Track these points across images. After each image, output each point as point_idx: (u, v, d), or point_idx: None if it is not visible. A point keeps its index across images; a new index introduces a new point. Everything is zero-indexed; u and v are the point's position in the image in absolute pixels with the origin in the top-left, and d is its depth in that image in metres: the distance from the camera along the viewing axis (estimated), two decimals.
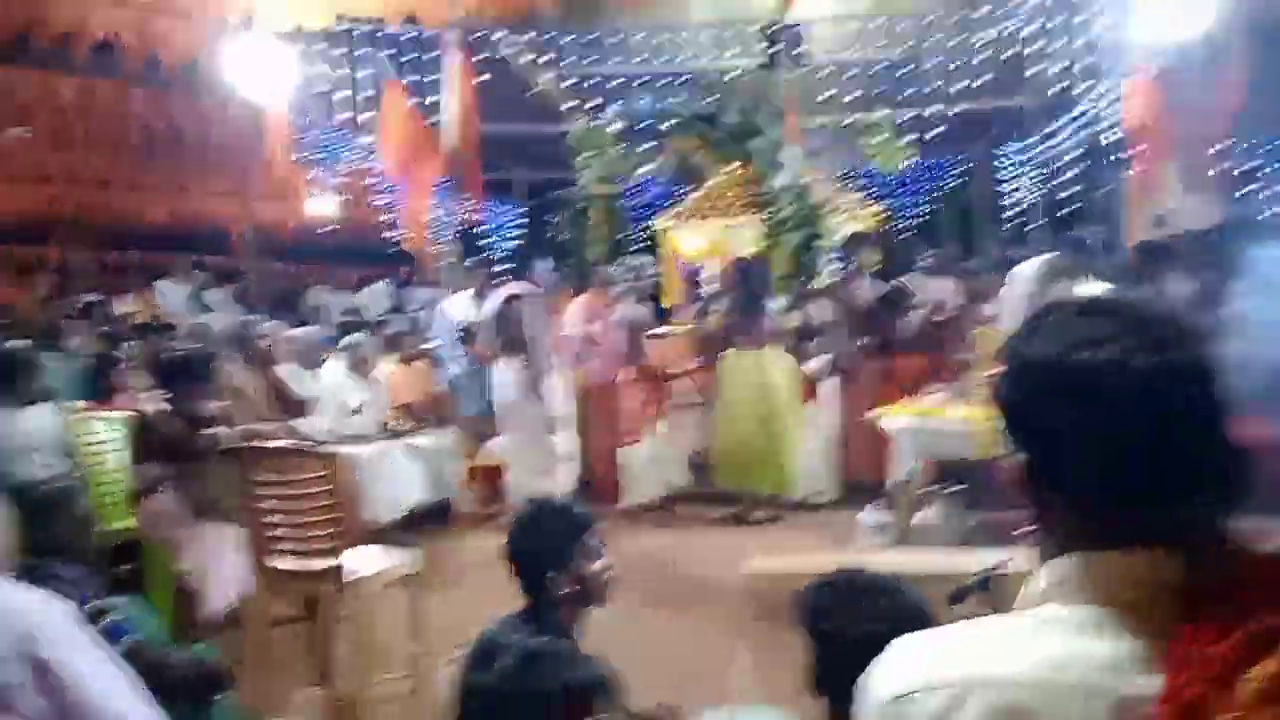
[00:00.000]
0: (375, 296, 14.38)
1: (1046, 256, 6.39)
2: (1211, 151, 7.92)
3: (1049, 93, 10.30)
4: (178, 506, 4.87)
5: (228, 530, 4.79)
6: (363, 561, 4.59)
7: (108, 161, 12.21)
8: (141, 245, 13.68)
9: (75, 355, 7.68)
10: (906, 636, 1.03)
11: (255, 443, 4.99)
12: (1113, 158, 10.06)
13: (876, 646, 1.05)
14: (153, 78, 9.47)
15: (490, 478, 7.49)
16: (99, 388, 6.62)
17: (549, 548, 2.67)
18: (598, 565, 2.73)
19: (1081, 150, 11.21)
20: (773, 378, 7.33)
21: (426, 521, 7.17)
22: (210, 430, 4.97)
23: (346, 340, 7.33)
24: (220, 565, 4.72)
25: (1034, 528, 1.02)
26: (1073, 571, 0.96)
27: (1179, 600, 0.90)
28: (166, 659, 3.06)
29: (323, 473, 4.45)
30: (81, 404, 6.42)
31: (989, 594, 2.67)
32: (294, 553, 4.48)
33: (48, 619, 1.16)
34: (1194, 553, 0.91)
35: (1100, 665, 0.90)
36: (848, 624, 2.13)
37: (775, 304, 7.60)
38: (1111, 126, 9.35)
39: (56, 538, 3.42)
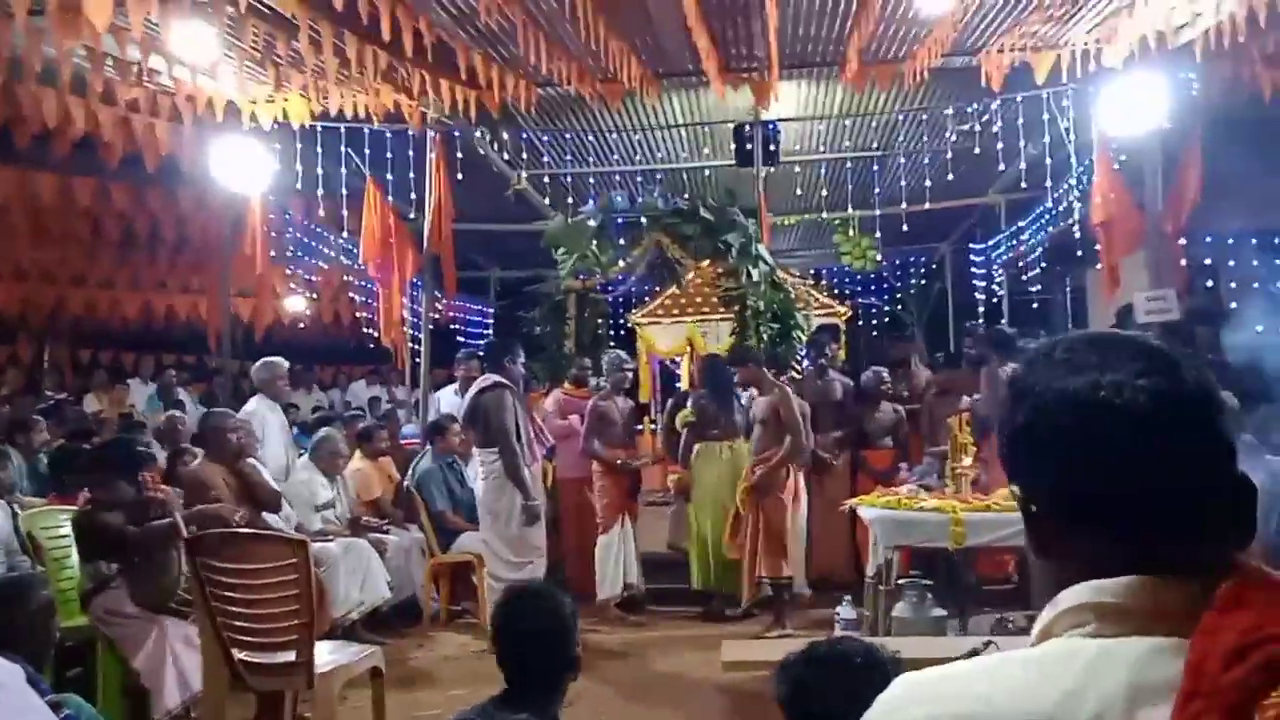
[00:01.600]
0: (355, 393, 14.42)
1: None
2: (1174, 245, 8.07)
3: (1020, 187, 10.52)
4: (129, 603, 4.74)
5: (183, 626, 4.67)
6: (325, 656, 4.48)
7: (84, 258, 12.23)
8: (115, 343, 13.63)
9: (39, 452, 7.60)
10: (913, 673, 0.98)
11: (216, 529, 4.89)
12: (1079, 253, 10.24)
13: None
14: (132, 174, 9.51)
15: (459, 574, 7.37)
16: (64, 483, 6.51)
17: (566, 627, 2.81)
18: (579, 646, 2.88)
19: (1047, 246, 11.42)
20: (744, 471, 7.29)
21: (394, 619, 7.03)
22: (159, 522, 4.85)
23: (316, 436, 7.27)
24: (174, 663, 4.58)
25: (1040, 562, 0.99)
26: (1084, 600, 0.92)
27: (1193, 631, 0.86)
28: None
29: (291, 559, 4.31)
30: (40, 500, 6.33)
31: None
32: (258, 645, 4.32)
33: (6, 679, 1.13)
34: (1208, 582, 0.88)
35: (1114, 698, 0.86)
36: (828, 694, 2.07)
37: (746, 397, 7.60)
38: (1077, 223, 9.53)
39: (7, 631, 3.34)
